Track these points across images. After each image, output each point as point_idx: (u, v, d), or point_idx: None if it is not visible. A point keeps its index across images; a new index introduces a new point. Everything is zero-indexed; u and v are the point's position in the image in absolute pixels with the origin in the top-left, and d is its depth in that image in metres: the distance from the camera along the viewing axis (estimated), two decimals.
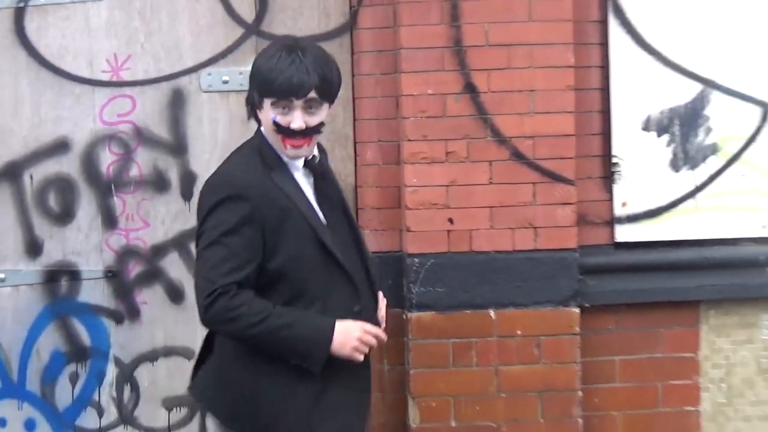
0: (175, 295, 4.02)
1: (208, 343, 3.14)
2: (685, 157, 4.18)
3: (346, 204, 3.26)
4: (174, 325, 4.06)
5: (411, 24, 3.96)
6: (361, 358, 3.02)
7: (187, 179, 4.00)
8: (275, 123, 2.93)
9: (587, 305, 4.12)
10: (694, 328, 4.19)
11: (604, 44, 4.14)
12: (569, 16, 4.01)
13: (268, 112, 2.98)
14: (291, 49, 2.96)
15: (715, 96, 4.22)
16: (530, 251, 4.01)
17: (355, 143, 4.10)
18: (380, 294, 3.26)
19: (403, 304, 4.08)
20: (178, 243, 4.02)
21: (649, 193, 4.22)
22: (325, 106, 3.01)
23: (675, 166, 4.21)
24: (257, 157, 3.06)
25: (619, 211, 4.19)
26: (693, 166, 4.21)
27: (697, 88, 4.22)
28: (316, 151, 3.04)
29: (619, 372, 4.24)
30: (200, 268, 3.03)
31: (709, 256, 4.12)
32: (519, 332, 4.02)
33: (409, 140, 3.99)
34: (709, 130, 4.19)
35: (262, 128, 3.06)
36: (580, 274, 4.08)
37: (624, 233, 4.19)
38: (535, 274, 4.02)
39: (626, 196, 4.20)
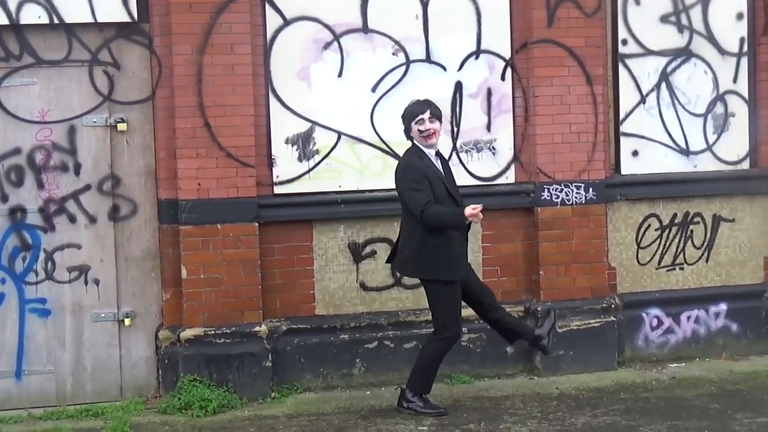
0: (72, 219, 7.86)
1: (397, 241, 7.37)
2: (304, 155, 8.10)
3: (452, 173, 7.38)
4: (69, 233, 7.86)
5: (180, 96, 7.75)
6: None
7: (77, 166, 7.84)
8: (419, 130, 7.13)
9: (261, 222, 7.93)
10: (309, 233, 8.17)
11: (268, 105, 8.02)
12: (251, 92, 7.87)
13: (416, 127, 7.15)
14: (418, 101, 7.22)
15: (317, 129, 8.12)
16: (236, 198, 7.78)
17: (155, 149, 7.94)
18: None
19: (178, 222, 7.80)
20: (72, 195, 7.86)
21: (289, 172, 8.08)
22: (437, 121, 7.22)
23: (300, 159, 8.09)
24: (415, 154, 7.20)
25: (275, 179, 8.06)
26: (308, 159, 8.12)
27: (308, 125, 8.12)
28: (438, 149, 7.34)
29: (278, 251, 8.04)
30: (410, 200, 7.03)
31: (317, 199, 8.06)
32: (231, 234, 7.82)
33: (179, 148, 7.76)
34: (315, 143, 8.11)
35: (413, 140, 7.19)
36: (258, 208, 7.87)
37: (278, 190, 8.07)
38: (239, 208, 7.77)
39: (279, 173, 8.07)
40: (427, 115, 7.24)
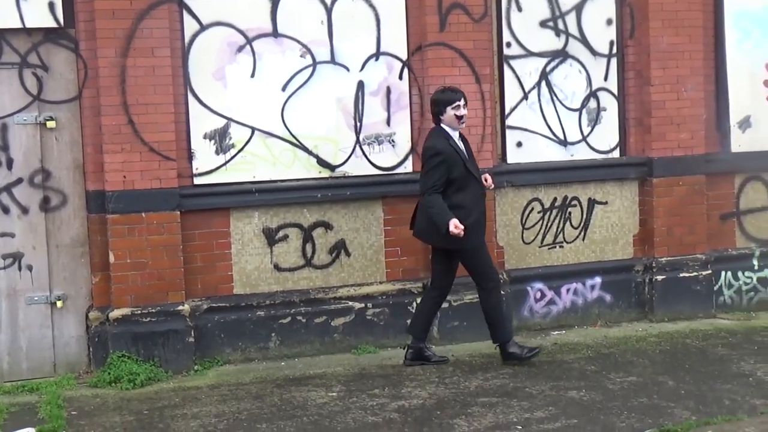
0: (5, 210, 8.26)
1: (415, 213, 8.18)
2: (221, 149, 8.62)
3: (471, 151, 8.15)
4: (3, 223, 8.24)
5: (105, 95, 8.20)
6: (458, 233, 7.70)
7: (9, 161, 8.27)
8: (456, 115, 7.92)
9: (182, 210, 8.41)
10: (227, 220, 8.68)
11: (187, 103, 8.48)
12: (172, 92, 8.28)
13: (451, 112, 7.95)
14: (452, 89, 8.06)
15: (233, 125, 8.60)
16: (158, 188, 8.24)
17: (83, 145, 8.38)
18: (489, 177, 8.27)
19: (106, 212, 8.21)
20: (6, 188, 8.24)
21: (208, 164, 8.58)
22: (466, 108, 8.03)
23: (217, 152, 8.57)
24: (442, 135, 7.99)
25: (195, 171, 8.52)
26: (225, 152, 8.62)
27: (224, 121, 8.60)
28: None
29: (199, 237, 8.55)
30: (424, 182, 7.91)
31: (233, 189, 8.65)
32: (155, 222, 8.31)
33: (106, 143, 8.21)
34: (230, 138, 8.61)
35: (441, 123, 7.96)
36: (179, 198, 8.44)
37: (198, 181, 8.55)
38: (161, 198, 8.25)
39: (198, 166, 8.57)
40: (462, 101, 8.08)
